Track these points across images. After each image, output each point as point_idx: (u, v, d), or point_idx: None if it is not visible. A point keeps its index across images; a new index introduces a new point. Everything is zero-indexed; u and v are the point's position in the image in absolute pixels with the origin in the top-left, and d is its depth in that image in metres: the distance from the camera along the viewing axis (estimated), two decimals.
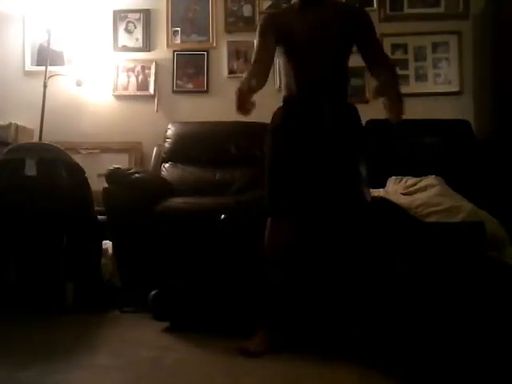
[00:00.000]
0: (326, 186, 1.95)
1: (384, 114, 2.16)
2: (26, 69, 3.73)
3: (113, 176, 2.64)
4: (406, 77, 3.50)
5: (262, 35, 2.07)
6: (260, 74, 1.98)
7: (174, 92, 3.65)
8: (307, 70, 2.00)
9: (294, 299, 2.00)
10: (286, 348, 1.89)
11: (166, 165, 3.30)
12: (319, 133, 1.98)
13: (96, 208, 2.66)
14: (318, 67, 1.99)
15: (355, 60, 3.54)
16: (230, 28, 3.60)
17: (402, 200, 2.30)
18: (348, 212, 1.94)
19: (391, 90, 1.91)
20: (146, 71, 3.67)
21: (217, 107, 3.44)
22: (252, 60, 2.09)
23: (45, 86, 3.43)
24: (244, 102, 1.73)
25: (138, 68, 3.68)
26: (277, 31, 2.03)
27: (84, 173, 2.62)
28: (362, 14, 2.12)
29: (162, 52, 3.69)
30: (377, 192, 2.48)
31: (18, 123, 3.41)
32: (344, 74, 2.10)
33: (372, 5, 3.53)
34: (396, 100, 1.93)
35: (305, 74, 2.00)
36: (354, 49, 2.13)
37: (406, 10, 3.53)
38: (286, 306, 1.97)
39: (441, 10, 3.51)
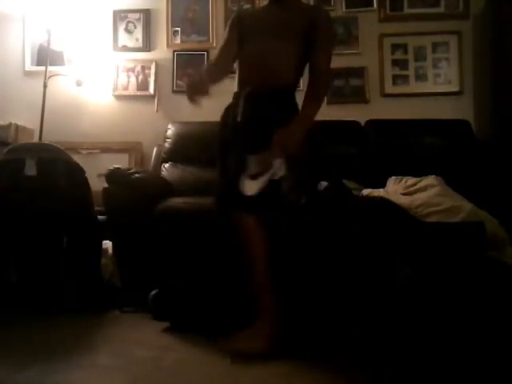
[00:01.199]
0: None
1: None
2: (26, 69, 3.74)
3: (113, 176, 2.64)
4: (406, 77, 3.51)
5: (227, 33, 2.16)
6: (217, 69, 2.11)
7: (174, 92, 3.65)
8: (257, 67, 2.02)
9: (291, 299, 2.00)
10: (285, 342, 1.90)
11: (166, 165, 3.30)
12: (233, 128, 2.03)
13: (96, 208, 2.66)
14: (268, 67, 2.01)
15: (354, 60, 3.57)
16: None
17: (402, 200, 2.29)
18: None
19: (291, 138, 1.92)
20: (146, 71, 3.67)
21: (217, 107, 3.43)
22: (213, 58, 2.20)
23: (45, 86, 3.43)
24: (193, 92, 1.88)
25: (138, 68, 3.68)
26: (241, 30, 2.11)
27: (84, 173, 2.62)
28: (321, 18, 2.07)
29: (162, 52, 3.70)
30: (377, 192, 2.48)
31: (18, 123, 3.41)
32: (296, 77, 2.10)
33: (372, 5, 3.54)
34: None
35: (254, 71, 2.03)
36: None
37: (406, 10, 3.54)
38: (284, 305, 1.98)
39: (441, 9, 3.51)
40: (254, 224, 1.94)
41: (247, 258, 1.96)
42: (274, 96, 1.99)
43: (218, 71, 2.13)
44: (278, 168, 1.90)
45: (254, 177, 1.87)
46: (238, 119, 2.01)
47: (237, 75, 2.14)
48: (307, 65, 2.11)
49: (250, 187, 1.86)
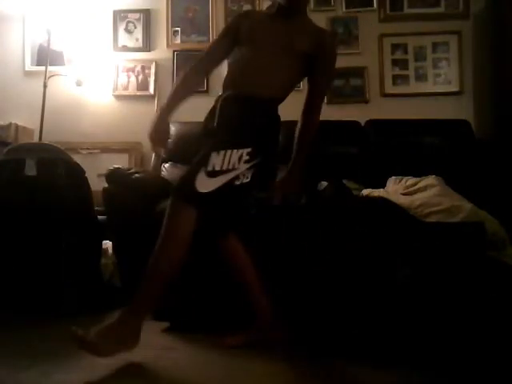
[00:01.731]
0: None
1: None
2: (26, 69, 3.74)
3: (113, 176, 2.64)
4: (406, 77, 3.51)
5: (223, 36, 2.13)
6: (196, 78, 2.20)
7: None
8: (249, 74, 2.00)
9: (291, 299, 2.00)
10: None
11: (166, 165, 3.30)
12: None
13: (96, 208, 2.66)
14: (260, 75, 1.98)
15: (354, 60, 3.57)
16: None
17: (402, 200, 2.30)
18: None
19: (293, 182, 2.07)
20: (146, 71, 3.67)
21: None
22: (200, 59, 2.18)
23: (45, 86, 3.43)
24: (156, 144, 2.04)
25: (138, 68, 3.69)
26: (239, 33, 2.06)
27: (84, 173, 2.62)
28: (326, 46, 2.04)
29: (162, 52, 3.70)
30: (377, 192, 2.48)
31: (18, 123, 3.41)
32: (286, 91, 2.06)
33: (372, 5, 3.54)
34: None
35: (246, 77, 2.01)
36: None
37: (406, 10, 3.54)
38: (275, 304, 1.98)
39: (441, 9, 3.52)
40: (238, 247, 1.99)
41: (238, 279, 2.00)
42: (253, 101, 1.94)
43: (199, 78, 2.22)
44: (243, 174, 1.84)
45: (212, 174, 1.79)
46: (214, 124, 1.99)
47: (224, 78, 2.11)
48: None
49: (205, 184, 1.78)
